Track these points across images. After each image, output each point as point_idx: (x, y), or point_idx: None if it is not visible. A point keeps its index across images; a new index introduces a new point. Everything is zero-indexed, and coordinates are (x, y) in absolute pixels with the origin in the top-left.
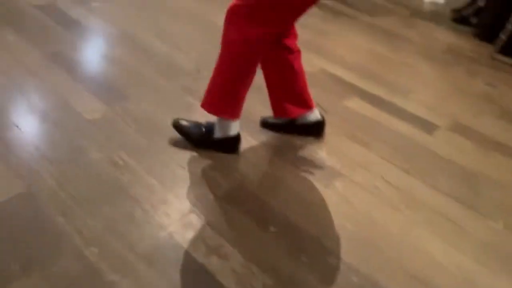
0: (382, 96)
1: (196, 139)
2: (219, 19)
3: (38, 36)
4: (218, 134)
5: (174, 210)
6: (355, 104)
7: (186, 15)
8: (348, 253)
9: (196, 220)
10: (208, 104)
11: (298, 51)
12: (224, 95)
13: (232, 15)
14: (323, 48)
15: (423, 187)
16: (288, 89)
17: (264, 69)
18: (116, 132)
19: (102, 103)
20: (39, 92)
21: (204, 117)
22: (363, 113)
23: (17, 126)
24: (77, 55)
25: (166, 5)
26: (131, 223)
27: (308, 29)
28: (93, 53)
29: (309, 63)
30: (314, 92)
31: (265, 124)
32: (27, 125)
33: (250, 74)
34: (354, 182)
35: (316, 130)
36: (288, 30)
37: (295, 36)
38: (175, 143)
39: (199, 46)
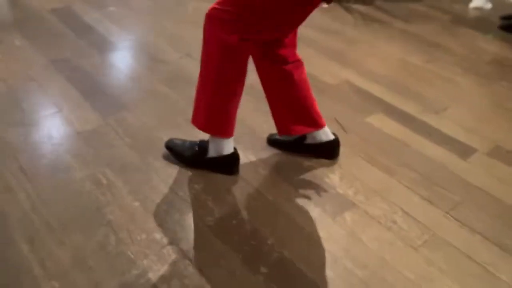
0: (412, 112)
1: (188, 158)
2: None
3: (46, 41)
4: (211, 153)
5: (153, 240)
6: (379, 121)
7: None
8: None
9: (177, 254)
10: (196, 120)
11: (298, 61)
12: (210, 110)
13: (209, 20)
14: (349, 58)
15: (449, 223)
16: (289, 103)
17: (261, 82)
18: (106, 146)
19: (97, 114)
20: (32, 100)
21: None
22: (387, 131)
23: (1, 136)
24: (82, 63)
25: (187, 12)
26: (102, 255)
27: (334, 37)
28: (99, 60)
29: (332, 74)
30: (334, 107)
31: (272, 142)
32: (13, 135)
33: (235, 86)
34: (368, 215)
35: (327, 151)
36: (280, 40)
37: (293, 45)
38: (170, 161)
39: None
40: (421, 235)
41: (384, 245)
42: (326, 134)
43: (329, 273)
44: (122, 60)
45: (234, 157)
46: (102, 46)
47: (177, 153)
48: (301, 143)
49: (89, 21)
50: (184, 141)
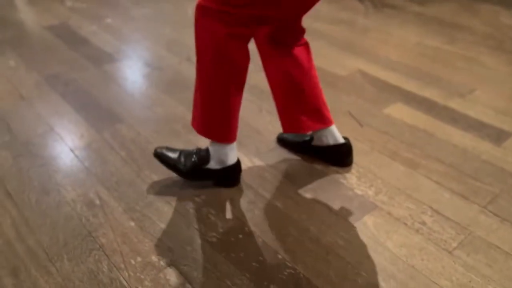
0: (434, 98)
1: (186, 170)
2: None
3: (40, 58)
4: (213, 164)
5: (149, 264)
6: (398, 111)
7: None
8: None
9: (175, 279)
10: (195, 123)
11: (305, 44)
12: (208, 110)
13: (199, 12)
14: (361, 47)
15: (488, 219)
16: (295, 92)
17: (265, 69)
18: (100, 162)
19: (91, 128)
20: (22, 120)
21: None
22: (408, 122)
23: None
24: (76, 76)
25: (187, 15)
26: (93, 284)
27: (344, 27)
28: (94, 73)
29: (343, 65)
30: (346, 100)
31: (280, 141)
32: (1, 157)
33: (234, 82)
34: (392, 217)
35: (335, 157)
36: (282, 23)
37: (299, 28)
38: (168, 173)
39: None
40: (456, 236)
41: (413, 251)
42: (334, 136)
43: None
44: (118, 71)
45: (237, 167)
46: (98, 58)
47: (171, 165)
48: (309, 145)
49: (85, 34)
50: (176, 151)
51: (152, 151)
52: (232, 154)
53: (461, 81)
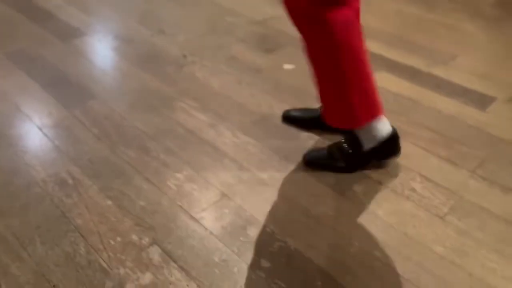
0: (417, 66)
1: (347, 164)
2: None
3: (2, 33)
4: (369, 143)
5: (130, 243)
6: (382, 80)
7: None
8: None
9: (159, 257)
10: (346, 119)
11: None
12: (359, 94)
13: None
14: None
15: (477, 183)
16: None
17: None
18: (72, 141)
19: (61, 106)
20: None
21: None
22: (392, 90)
23: None
24: (42, 52)
25: None
26: (70, 267)
27: None
28: (61, 48)
29: None
30: None
31: (288, 119)
32: None
33: (361, 57)
34: (381, 185)
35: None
36: None
37: None
38: (145, 150)
39: (188, 28)
40: (446, 201)
41: (405, 218)
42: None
43: (343, 258)
44: (87, 45)
45: (396, 136)
46: (64, 32)
47: (328, 166)
48: (318, 121)
49: (49, 8)
50: (321, 151)
51: (128, 127)
52: (382, 125)
53: (443, 48)
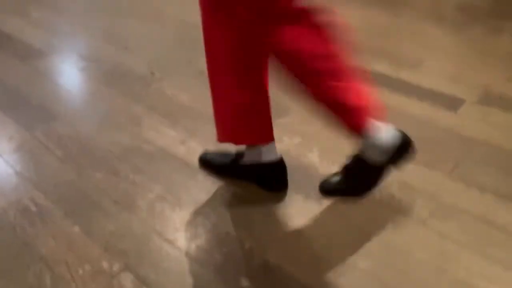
0: (385, 72)
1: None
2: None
3: None
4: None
5: (99, 271)
6: None
7: (139, 12)
8: None
9: (130, 283)
10: (222, 134)
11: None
12: (239, 112)
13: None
14: None
15: (454, 184)
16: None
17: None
18: (34, 165)
19: (22, 129)
20: None
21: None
22: None
23: None
24: (3, 75)
25: (122, 4)
26: None
27: None
28: (22, 69)
29: None
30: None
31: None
32: None
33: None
34: None
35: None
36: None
37: None
38: (111, 171)
39: (154, 44)
40: (425, 205)
41: (385, 225)
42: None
43: (325, 271)
44: (51, 66)
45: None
46: (25, 54)
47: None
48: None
49: (8, 30)
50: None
51: (94, 148)
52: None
53: (410, 53)
